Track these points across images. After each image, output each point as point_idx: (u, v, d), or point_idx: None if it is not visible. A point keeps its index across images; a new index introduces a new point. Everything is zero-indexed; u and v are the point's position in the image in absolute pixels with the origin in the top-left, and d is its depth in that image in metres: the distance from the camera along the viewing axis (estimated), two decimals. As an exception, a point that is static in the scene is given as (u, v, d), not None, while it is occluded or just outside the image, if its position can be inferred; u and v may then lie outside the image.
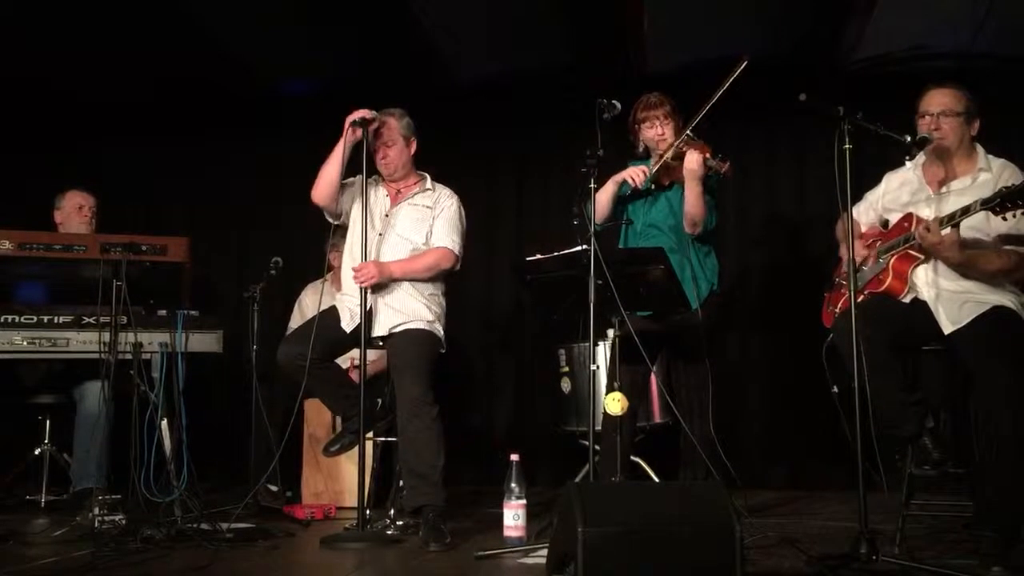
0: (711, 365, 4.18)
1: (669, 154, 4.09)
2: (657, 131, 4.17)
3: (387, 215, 4.05)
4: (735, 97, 3.96)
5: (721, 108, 3.97)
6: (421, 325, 3.94)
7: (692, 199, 4.02)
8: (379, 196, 4.09)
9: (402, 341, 3.90)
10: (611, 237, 4.33)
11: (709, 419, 4.10)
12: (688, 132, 4.09)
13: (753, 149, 5.74)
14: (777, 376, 5.62)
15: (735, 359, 5.66)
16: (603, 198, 4.15)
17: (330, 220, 4.13)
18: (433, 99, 5.61)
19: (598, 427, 4.03)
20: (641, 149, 4.26)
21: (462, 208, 4.12)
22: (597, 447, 3.95)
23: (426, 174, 4.16)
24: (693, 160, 3.97)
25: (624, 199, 4.28)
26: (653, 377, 4.43)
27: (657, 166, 4.13)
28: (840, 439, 3.35)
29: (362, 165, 3.91)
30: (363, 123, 3.85)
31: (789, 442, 5.53)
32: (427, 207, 4.06)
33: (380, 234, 4.00)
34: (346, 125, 3.86)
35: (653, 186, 4.19)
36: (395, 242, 4.01)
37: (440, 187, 4.14)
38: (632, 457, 4.59)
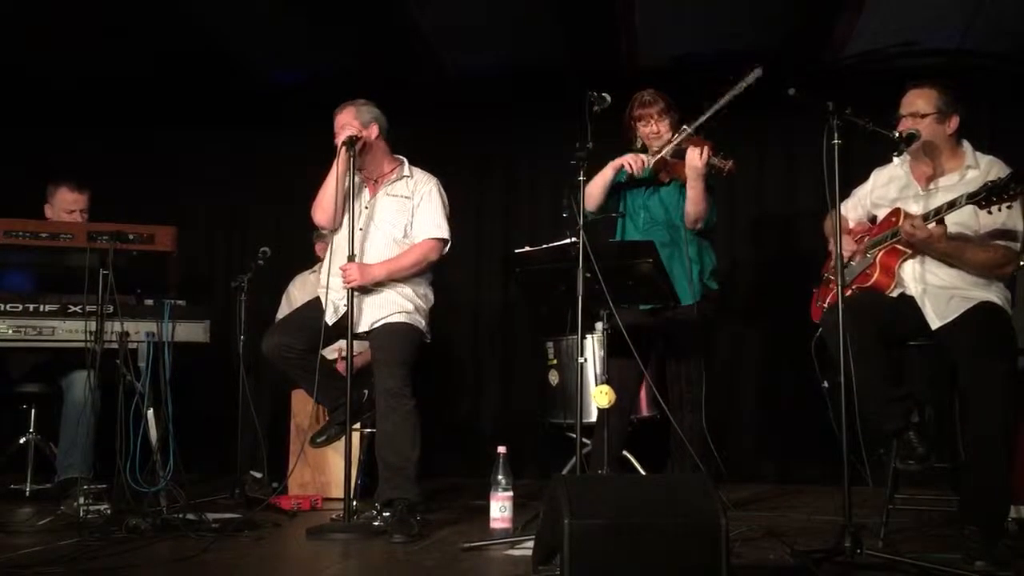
0: (704, 360, 4.19)
1: (668, 150, 4.12)
2: (652, 128, 4.22)
3: (366, 207, 4.03)
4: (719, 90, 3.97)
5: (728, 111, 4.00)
6: (402, 318, 3.93)
7: (695, 196, 4.06)
8: (358, 188, 4.05)
9: (382, 334, 3.90)
10: (602, 231, 4.34)
11: (701, 414, 4.11)
12: (687, 129, 4.11)
13: (741, 143, 5.72)
14: (766, 371, 5.63)
15: (724, 354, 5.67)
16: (598, 184, 4.19)
17: (326, 232, 4.15)
18: (424, 95, 5.61)
19: (585, 420, 4.03)
20: (639, 145, 4.28)
21: (442, 190, 4.10)
22: (585, 440, 3.95)
23: (403, 159, 4.13)
24: (696, 158, 3.99)
25: (621, 188, 4.29)
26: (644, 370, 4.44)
27: (655, 160, 4.15)
28: (827, 434, 3.37)
29: (352, 181, 3.90)
30: (351, 142, 3.85)
31: (777, 437, 5.54)
32: (406, 197, 4.03)
33: (361, 228, 3.98)
34: (339, 147, 3.86)
35: (657, 177, 4.22)
36: (376, 235, 3.99)
37: (418, 172, 4.11)
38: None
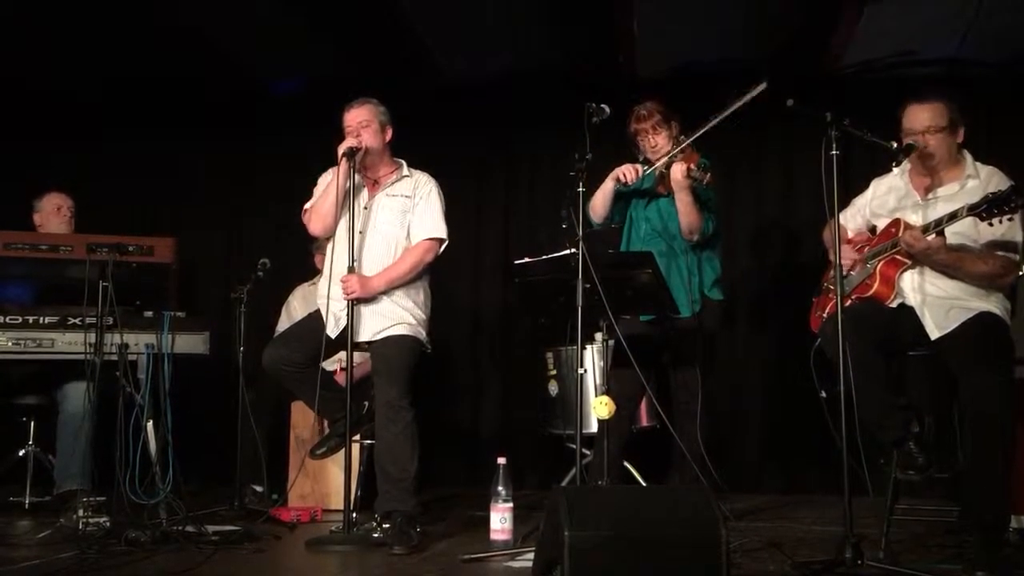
0: (703, 372, 4.20)
1: (663, 163, 4.15)
2: (649, 142, 4.26)
3: (365, 207, 4.01)
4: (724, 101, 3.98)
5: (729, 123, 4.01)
6: (404, 330, 3.92)
7: (682, 208, 4.11)
8: (357, 189, 4.01)
9: (383, 346, 3.89)
10: (609, 243, 4.35)
11: (697, 425, 4.13)
12: (684, 139, 4.14)
13: (740, 154, 5.75)
14: (766, 381, 5.62)
15: (725, 364, 5.67)
16: (600, 197, 4.24)
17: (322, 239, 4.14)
18: (423, 99, 5.61)
19: (585, 430, 4.03)
20: (642, 159, 4.31)
21: (440, 191, 4.08)
22: (585, 451, 3.95)
23: (402, 161, 4.11)
24: (677, 171, 4.06)
25: (624, 197, 4.32)
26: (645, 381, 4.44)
27: (654, 171, 4.20)
28: (827, 444, 3.36)
29: (353, 184, 3.89)
30: (351, 153, 3.84)
31: (777, 447, 5.53)
32: (406, 196, 4.02)
33: (360, 232, 3.97)
34: (339, 157, 3.84)
35: (657, 188, 4.24)
36: (376, 238, 3.97)
37: (417, 173, 4.10)
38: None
